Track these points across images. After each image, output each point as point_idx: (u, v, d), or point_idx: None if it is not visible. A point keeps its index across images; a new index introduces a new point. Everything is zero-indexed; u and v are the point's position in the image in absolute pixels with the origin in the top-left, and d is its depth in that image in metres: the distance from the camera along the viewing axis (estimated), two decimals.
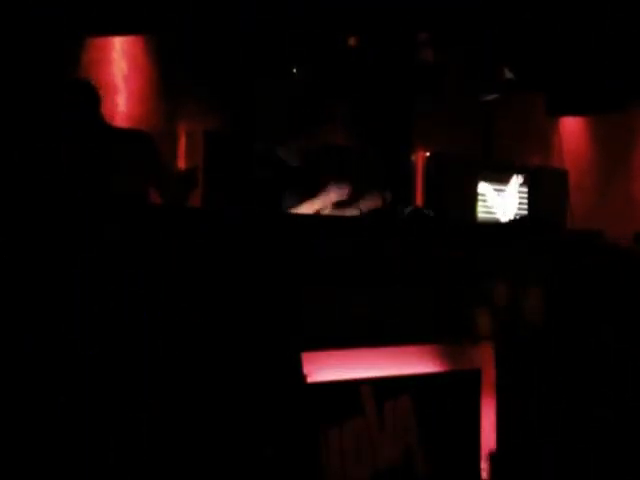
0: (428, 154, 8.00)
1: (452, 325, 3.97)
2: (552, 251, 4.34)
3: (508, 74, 7.66)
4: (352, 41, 7.06)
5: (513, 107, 8.46)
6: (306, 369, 3.35)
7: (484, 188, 8.21)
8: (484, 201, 8.21)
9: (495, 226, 6.69)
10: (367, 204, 4.88)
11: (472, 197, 8.14)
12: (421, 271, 3.88)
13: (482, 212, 8.18)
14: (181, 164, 6.54)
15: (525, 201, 8.51)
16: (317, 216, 4.61)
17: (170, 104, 6.57)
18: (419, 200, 7.87)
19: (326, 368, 3.52)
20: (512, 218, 8.04)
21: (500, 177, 8.37)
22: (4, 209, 2.83)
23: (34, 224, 2.85)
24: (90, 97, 4.55)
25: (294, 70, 6.95)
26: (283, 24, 6.37)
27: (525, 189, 8.49)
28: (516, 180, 8.40)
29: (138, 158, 4.70)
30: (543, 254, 4.28)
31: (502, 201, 8.32)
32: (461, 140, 8.15)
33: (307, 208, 4.76)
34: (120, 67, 6.26)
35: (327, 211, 4.81)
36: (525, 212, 8.39)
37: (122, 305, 2.96)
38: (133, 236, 3.03)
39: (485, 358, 4.11)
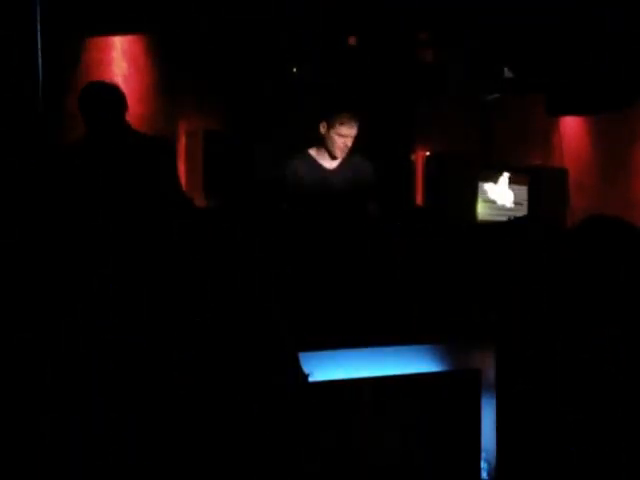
0: (428, 154, 8.01)
1: (452, 325, 3.97)
2: (552, 249, 4.34)
3: (508, 74, 7.66)
4: (352, 41, 7.06)
5: (513, 107, 8.46)
6: (307, 369, 3.35)
7: (483, 187, 8.22)
8: (484, 200, 8.22)
9: (495, 226, 6.69)
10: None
11: (472, 197, 8.14)
12: (421, 271, 3.88)
13: (482, 211, 8.19)
14: (181, 164, 6.54)
15: (523, 200, 8.51)
16: (318, 215, 4.61)
17: (170, 104, 6.58)
18: (419, 200, 7.88)
19: (327, 368, 3.52)
20: (511, 218, 8.04)
21: (499, 177, 8.38)
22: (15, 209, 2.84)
23: (39, 221, 2.86)
24: (114, 100, 4.59)
25: (294, 70, 6.96)
26: (283, 24, 6.37)
27: (518, 187, 8.50)
28: (505, 178, 8.39)
29: (155, 163, 4.73)
30: (543, 253, 4.28)
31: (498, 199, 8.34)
32: (461, 140, 8.15)
33: None
34: (120, 67, 6.26)
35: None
36: (524, 211, 8.39)
37: (121, 304, 2.96)
38: (131, 236, 3.04)
39: (485, 358, 4.11)
